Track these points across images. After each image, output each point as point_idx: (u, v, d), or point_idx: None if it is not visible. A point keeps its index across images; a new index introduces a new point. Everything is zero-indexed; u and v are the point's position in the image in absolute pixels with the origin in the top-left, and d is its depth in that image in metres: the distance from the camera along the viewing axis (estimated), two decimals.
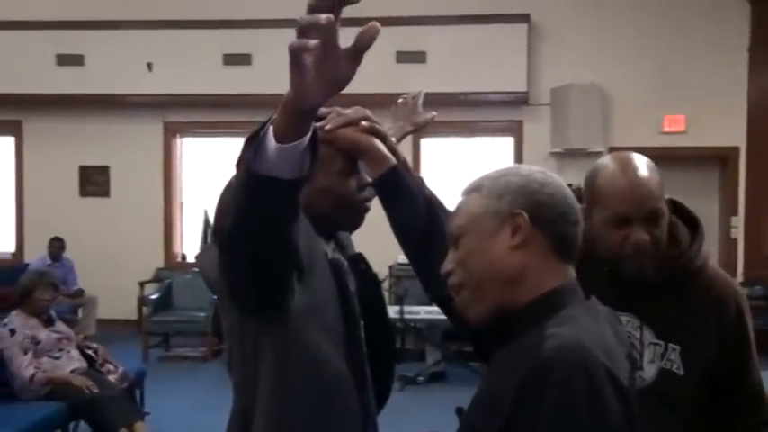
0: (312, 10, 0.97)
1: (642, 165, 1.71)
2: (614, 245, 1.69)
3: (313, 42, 0.97)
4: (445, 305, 1.50)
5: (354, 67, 1.03)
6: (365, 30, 0.99)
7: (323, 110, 1.60)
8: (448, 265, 1.35)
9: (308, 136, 1.17)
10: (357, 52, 1.01)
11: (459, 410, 1.37)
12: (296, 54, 0.99)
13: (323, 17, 0.96)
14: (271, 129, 1.16)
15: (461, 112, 8.56)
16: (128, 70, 8.90)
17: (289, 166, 1.18)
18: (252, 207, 1.24)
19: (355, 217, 1.68)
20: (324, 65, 1.01)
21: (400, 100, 2.02)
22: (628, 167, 1.70)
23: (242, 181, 1.22)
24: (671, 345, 1.75)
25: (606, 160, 1.77)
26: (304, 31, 0.97)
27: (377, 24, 0.99)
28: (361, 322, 1.68)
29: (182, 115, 9.27)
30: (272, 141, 1.16)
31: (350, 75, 1.04)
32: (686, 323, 1.74)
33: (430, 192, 1.67)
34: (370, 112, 1.66)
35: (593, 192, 1.74)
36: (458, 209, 1.36)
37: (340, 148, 1.60)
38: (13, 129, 9.58)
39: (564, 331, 1.17)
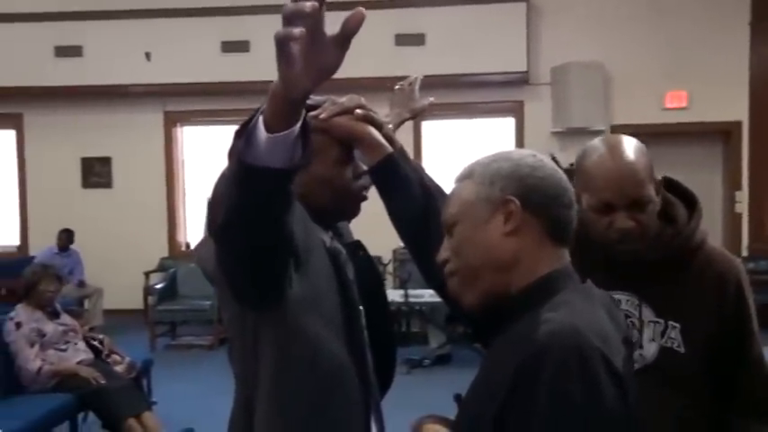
0: None
1: (630, 150, 1.70)
2: (600, 230, 1.70)
3: (298, 31, 0.96)
4: (444, 291, 1.50)
5: (342, 53, 1.02)
6: (351, 15, 0.99)
7: (317, 98, 1.59)
8: (443, 253, 1.35)
9: (299, 125, 1.16)
10: (344, 38, 1.01)
11: (457, 397, 1.37)
12: (282, 43, 0.99)
13: (308, 5, 0.95)
14: (261, 119, 1.15)
15: (462, 94, 8.54)
16: (126, 60, 8.89)
17: (280, 155, 1.17)
18: (245, 198, 1.23)
19: (352, 206, 1.67)
20: (311, 53, 1.00)
21: (397, 86, 2.01)
22: (614, 154, 1.69)
23: (234, 172, 1.21)
24: (671, 323, 1.75)
25: (595, 144, 1.76)
26: (289, 19, 0.96)
27: (362, 10, 0.99)
28: (362, 309, 1.68)
29: (182, 104, 9.26)
30: (262, 131, 1.15)
31: (338, 61, 1.03)
32: (686, 300, 1.74)
33: (428, 178, 1.67)
34: (364, 99, 1.65)
35: (581, 176, 1.74)
36: (451, 197, 1.36)
37: (335, 136, 1.59)
38: (14, 122, 9.58)
39: (558, 316, 1.17)
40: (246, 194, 1.23)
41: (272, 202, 1.26)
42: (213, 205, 1.31)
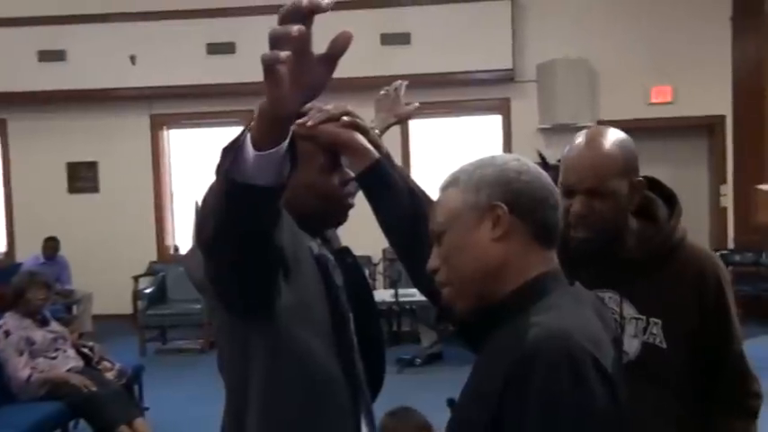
0: (283, 20, 0.97)
1: (606, 141, 1.73)
2: (563, 213, 1.72)
3: (285, 54, 0.97)
4: (434, 297, 1.51)
5: (329, 72, 1.03)
6: (338, 37, 1.00)
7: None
8: (433, 262, 1.35)
9: (287, 142, 1.16)
10: (331, 59, 1.02)
11: (450, 402, 1.37)
12: (269, 65, 0.99)
13: (294, 28, 0.96)
14: (248, 136, 1.15)
15: (448, 92, 8.54)
16: (111, 64, 8.83)
17: (268, 172, 1.18)
18: (233, 214, 1.24)
19: (339, 213, 1.68)
20: (298, 73, 1.01)
21: (382, 92, 2.01)
22: (588, 141, 1.74)
23: (222, 189, 1.22)
24: (652, 319, 1.77)
25: (581, 132, 1.80)
26: (276, 42, 0.97)
27: (349, 32, 1.00)
28: (351, 315, 1.68)
29: (168, 107, 9.21)
30: (250, 149, 1.15)
31: (325, 81, 1.04)
32: (666, 297, 1.77)
33: (414, 184, 1.68)
34: (351, 99, 1.65)
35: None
36: (437, 206, 1.36)
37: (321, 143, 1.59)
38: None
39: (547, 320, 1.18)
40: (235, 210, 1.23)
41: (260, 217, 1.26)
42: (202, 219, 1.32)
